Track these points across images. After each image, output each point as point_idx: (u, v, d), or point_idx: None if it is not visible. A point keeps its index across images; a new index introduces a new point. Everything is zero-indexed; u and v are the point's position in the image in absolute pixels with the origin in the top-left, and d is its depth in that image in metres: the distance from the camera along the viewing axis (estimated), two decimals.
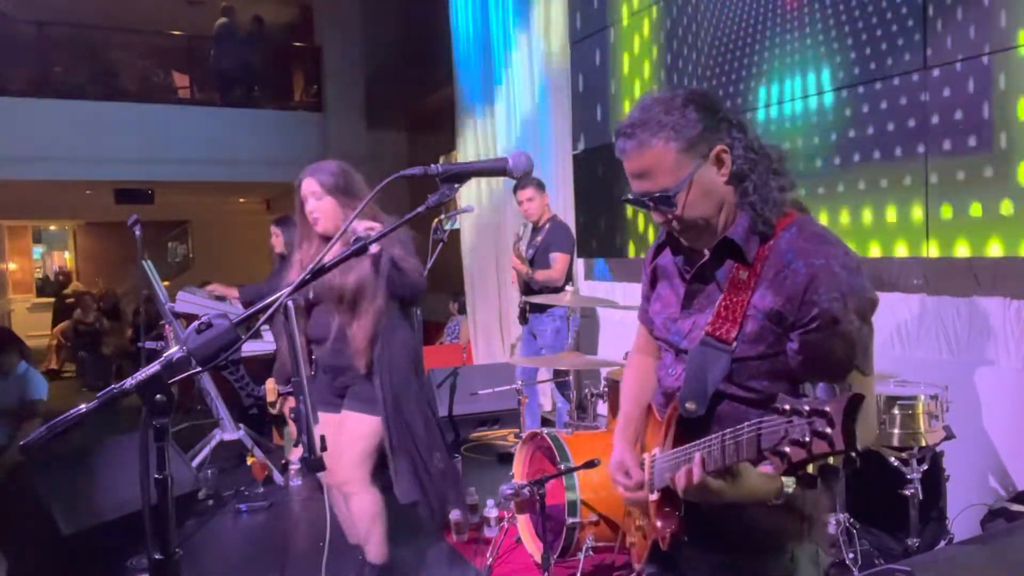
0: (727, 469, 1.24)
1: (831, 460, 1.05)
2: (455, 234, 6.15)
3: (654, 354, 1.68)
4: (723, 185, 1.42)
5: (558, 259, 4.75)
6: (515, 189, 4.93)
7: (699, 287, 1.49)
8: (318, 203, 2.72)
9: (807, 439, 1.03)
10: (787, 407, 1.07)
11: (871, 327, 1.36)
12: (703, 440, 1.29)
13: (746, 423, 1.17)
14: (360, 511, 2.85)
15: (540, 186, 4.90)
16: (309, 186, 2.73)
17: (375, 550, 2.88)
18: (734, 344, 1.38)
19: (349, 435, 2.77)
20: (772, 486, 1.27)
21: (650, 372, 1.67)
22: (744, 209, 1.42)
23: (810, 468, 1.06)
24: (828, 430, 1.02)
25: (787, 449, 1.06)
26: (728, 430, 1.22)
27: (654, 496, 1.46)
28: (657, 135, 1.36)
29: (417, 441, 2.80)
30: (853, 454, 1.03)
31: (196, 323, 1.24)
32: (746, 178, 1.41)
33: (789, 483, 1.22)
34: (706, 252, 1.47)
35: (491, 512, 3.72)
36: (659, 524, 1.44)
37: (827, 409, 1.03)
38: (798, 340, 1.34)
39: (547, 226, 4.88)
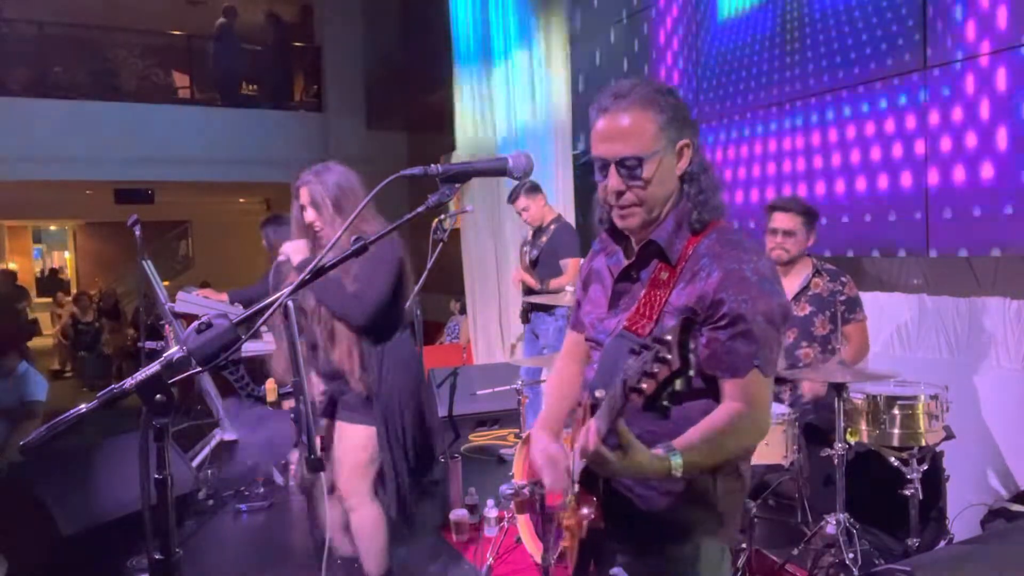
0: (619, 441, 1.27)
1: (677, 385, 1.12)
2: (455, 234, 6.14)
3: (580, 360, 1.76)
4: (675, 179, 1.52)
5: (569, 264, 4.70)
6: (509, 202, 4.88)
7: (625, 287, 1.59)
8: (316, 214, 2.68)
9: (654, 369, 1.11)
10: (636, 347, 1.16)
11: (778, 331, 1.46)
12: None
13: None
14: (359, 526, 2.80)
15: (532, 191, 4.78)
16: (305, 196, 2.71)
17: (373, 565, 2.83)
18: (647, 339, 1.43)
19: (344, 446, 2.76)
20: (660, 466, 1.31)
21: (574, 376, 1.77)
22: (673, 213, 1.52)
23: (664, 400, 1.13)
24: (669, 355, 1.10)
25: (643, 385, 1.13)
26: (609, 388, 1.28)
27: (576, 488, 1.49)
28: (648, 106, 1.48)
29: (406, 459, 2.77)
30: (691, 373, 1.11)
31: (196, 323, 1.24)
32: (693, 181, 1.52)
33: (676, 466, 1.31)
34: (625, 260, 1.57)
35: (491, 512, 3.72)
36: (583, 512, 1.47)
37: (667, 337, 1.11)
38: (706, 335, 1.44)
39: (552, 227, 4.82)
